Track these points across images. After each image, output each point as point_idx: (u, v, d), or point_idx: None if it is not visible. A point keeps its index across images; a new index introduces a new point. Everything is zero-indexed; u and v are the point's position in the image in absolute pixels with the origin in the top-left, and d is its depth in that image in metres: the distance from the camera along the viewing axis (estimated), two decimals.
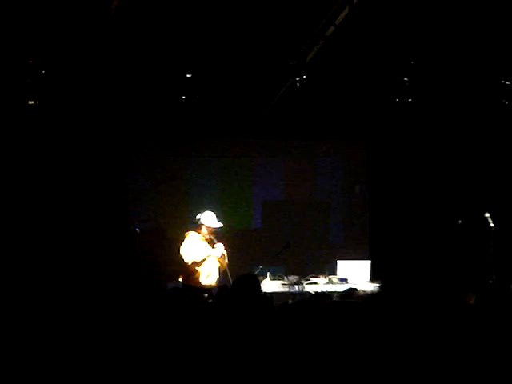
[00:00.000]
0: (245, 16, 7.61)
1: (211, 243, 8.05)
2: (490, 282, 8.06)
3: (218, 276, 8.05)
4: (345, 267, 8.27)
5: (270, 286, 8.07)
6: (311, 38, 8.31)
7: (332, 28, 8.03)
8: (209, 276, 7.98)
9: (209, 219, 8.07)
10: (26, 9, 7.10)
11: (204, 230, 8.05)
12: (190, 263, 7.87)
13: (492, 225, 8.40)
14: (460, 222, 9.45)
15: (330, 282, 8.15)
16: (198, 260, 7.88)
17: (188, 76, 8.80)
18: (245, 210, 10.20)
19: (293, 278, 8.14)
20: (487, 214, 8.49)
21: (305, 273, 8.37)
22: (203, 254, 7.92)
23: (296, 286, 8.05)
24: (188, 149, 10.11)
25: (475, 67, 8.57)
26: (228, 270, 7.90)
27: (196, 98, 8.95)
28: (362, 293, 4.92)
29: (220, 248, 8.02)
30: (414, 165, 10.14)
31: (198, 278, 7.94)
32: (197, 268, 7.91)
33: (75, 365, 3.58)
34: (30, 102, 8.84)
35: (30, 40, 7.76)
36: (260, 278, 8.00)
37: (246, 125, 9.92)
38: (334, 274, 8.25)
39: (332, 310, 3.83)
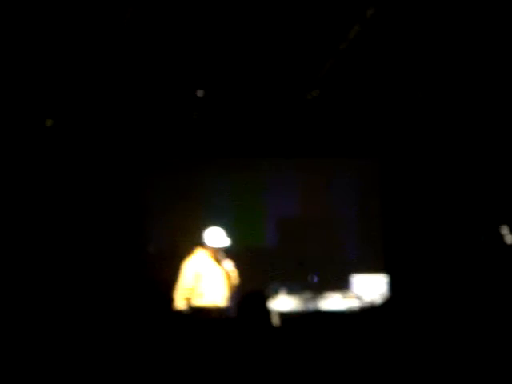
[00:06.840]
0: (258, 32, 7.59)
1: (218, 261, 7.87)
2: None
3: (223, 294, 7.85)
4: (360, 282, 8.17)
5: (284, 303, 7.97)
6: (324, 54, 8.27)
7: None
8: (205, 295, 7.78)
9: (210, 238, 7.85)
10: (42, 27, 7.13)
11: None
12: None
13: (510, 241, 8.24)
14: (483, 238, 9.25)
15: (345, 298, 8.05)
16: (188, 287, 7.74)
17: (199, 95, 8.82)
18: (258, 227, 10.13)
19: (307, 295, 8.03)
20: (505, 230, 8.34)
21: (320, 289, 8.26)
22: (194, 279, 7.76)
23: (310, 303, 7.95)
24: (201, 167, 10.06)
25: (492, 80, 8.45)
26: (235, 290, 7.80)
27: (207, 115, 8.93)
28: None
29: (226, 266, 7.83)
30: (428, 180, 10.02)
31: (198, 298, 7.79)
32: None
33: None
34: (48, 123, 8.89)
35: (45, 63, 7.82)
36: (274, 294, 7.94)
37: (259, 143, 9.89)
38: (350, 289, 8.17)
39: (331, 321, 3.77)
